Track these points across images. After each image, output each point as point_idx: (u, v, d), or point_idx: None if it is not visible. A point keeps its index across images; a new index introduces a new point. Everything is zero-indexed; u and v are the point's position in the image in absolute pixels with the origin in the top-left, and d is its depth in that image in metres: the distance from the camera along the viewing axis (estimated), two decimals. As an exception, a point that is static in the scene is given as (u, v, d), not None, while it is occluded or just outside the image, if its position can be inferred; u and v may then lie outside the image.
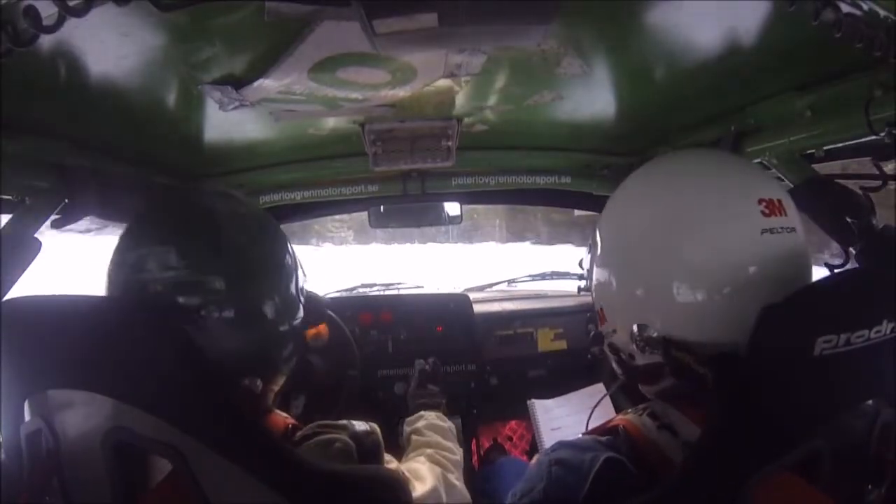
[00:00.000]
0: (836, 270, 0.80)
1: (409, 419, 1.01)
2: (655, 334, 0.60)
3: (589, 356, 1.64)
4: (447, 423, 1.00)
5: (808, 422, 0.51)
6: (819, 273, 0.67)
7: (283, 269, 0.68)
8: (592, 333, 0.72)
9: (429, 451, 0.89)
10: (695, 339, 0.59)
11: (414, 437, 0.95)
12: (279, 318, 0.66)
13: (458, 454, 0.92)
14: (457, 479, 0.84)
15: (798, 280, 0.59)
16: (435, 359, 1.29)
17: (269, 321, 0.65)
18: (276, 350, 0.67)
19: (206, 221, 0.64)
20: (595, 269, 0.70)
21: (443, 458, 0.87)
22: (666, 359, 0.60)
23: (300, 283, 0.71)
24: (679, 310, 0.59)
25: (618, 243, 0.67)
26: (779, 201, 0.60)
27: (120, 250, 0.62)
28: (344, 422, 0.70)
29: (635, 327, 0.62)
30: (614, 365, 0.70)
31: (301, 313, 0.71)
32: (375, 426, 0.73)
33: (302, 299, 0.71)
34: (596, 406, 0.90)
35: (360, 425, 0.70)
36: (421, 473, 0.79)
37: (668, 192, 0.64)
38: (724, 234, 0.58)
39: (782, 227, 0.58)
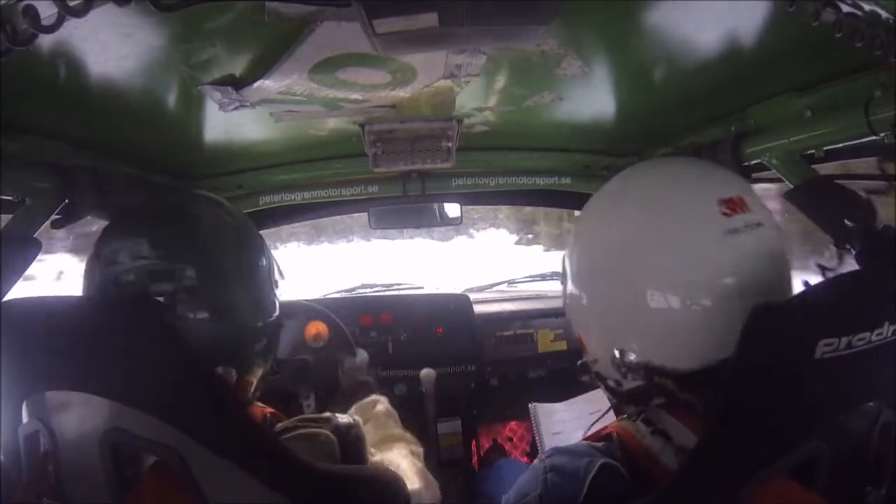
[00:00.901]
0: (827, 272, 0.80)
1: (362, 403, 1.00)
2: (634, 357, 0.59)
3: None
4: (393, 410, 1.01)
5: (807, 424, 0.51)
6: (807, 275, 0.67)
7: (254, 265, 0.70)
8: (578, 363, 0.70)
9: (400, 444, 0.89)
10: (674, 365, 0.57)
11: (371, 426, 0.94)
12: (250, 313, 0.68)
13: (420, 445, 0.93)
14: (428, 473, 0.86)
15: (775, 278, 0.56)
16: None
17: (240, 315, 0.67)
18: (248, 343, 0.69)
19: (180, 215, 0.67)
20: (567, 298, 0.68)
21: (415, 452, 0.89)
22: (649, 384, 0.59)
23: (274, 283, 0.74)
24: (655, 331, 0.57)
25: (584, 270, 0.65)
26: (739, 198, 0.57)
27: (96, 245, 0.64)
28: (327, 414, 0.71)
29: (616, 352, 0.60)
30: (604, 391, 0.69)
31: (276, 311, 0.73)
32: (359, 419, 0.74)
33: (277, 299, 0.74)
34: (599, 413, 0.89)
35: (342, 418, 0.71)
36: (403, 468, 0.80)
37: (626, 209, 0.62)
38: (688, 243, 0.56)
39: (746, 225, 0.55)
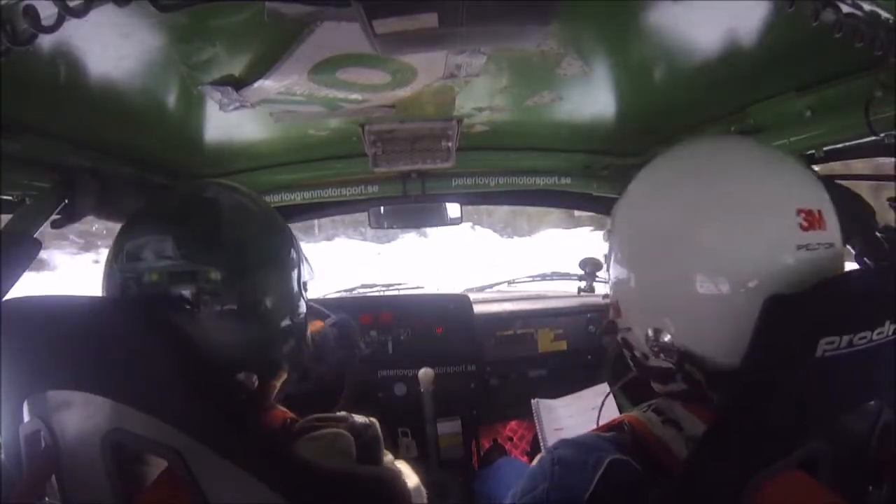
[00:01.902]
0: None
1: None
2: (671, 340, 0.57)
3: (589, 357, 1.64)
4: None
5: (808, 423, 0.51)
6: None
7: (284, 264, 0.67)
8: (605, 322, 0.67)
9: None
10: (707, 353, 0.56)
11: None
12: (279, 313, 0.65)
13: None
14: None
15: None
16: None
17: (267, 316, 0.64)
18: (275, 346, 0.66)
19: (205, 212, 0.64)
20: (612, 261, 0.65)
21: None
22: (678, 368, 0.58)
23: (303, 280, 0.70)
24: (696, 315, 0.56)
25: (637, 235, 0.61)
26: (819, 213, 0.53)
27: (118, 242, 0.62)
28: (343, 413, 0.70)
29: (650, 331, 0.58)
30: (626, 357, 0.67)
31: (303, 310, 0.70)
32: (375, 420, 0.73)
33: (304, 296, 0.70)
34: (602, 406, 0.89)
35: (359, 418, 0.70)
36: (402, 468, 0.80)
37: (698, 183, 0.57)
38: (755, 243, 0.53)
39: (819, 244, 0.53)
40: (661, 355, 0.58)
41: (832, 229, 0.54)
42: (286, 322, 0.66)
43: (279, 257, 0.67)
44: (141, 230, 0.62)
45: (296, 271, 0.69)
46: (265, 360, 0.66)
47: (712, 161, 0.60)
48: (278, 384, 0.70)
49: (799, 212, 0.52)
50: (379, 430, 0.72)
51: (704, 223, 0.55)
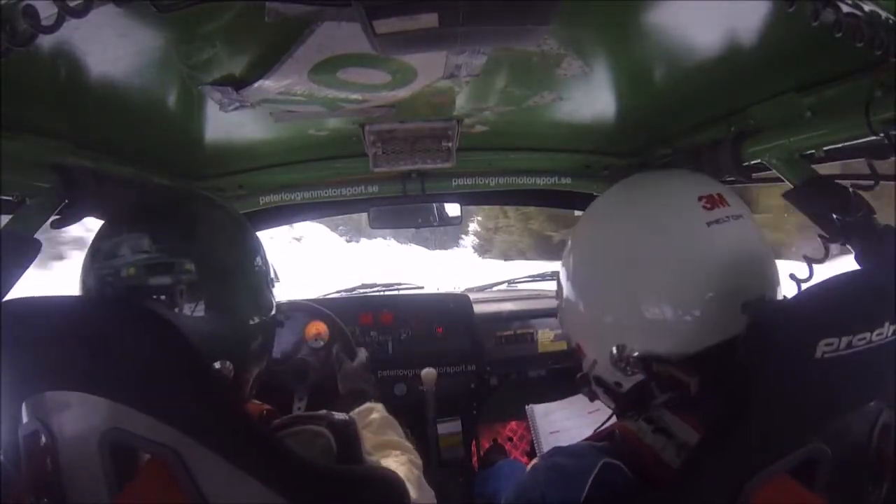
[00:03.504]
0: (813, 266, 0.80)
1: (359, 410, 0.99)
2: (635, 353, 0.61)
3: None
4: (392, 418, 1.00)
5: (808, 425, 0.51)
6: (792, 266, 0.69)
7: (252, 263, 0.71)
8: (578, 377, 0.72)
9: (396, 452, 0.88)
10: (673, 350, 0.59)
11: (368, 432, 0.92)
12: (247, 310, 0.69)
13: (418, 457, 0.92)
14: (424, 482, 0.85)
15: (757, 263, 0.61)
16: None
17: (237, 312, 0.68)
18: (244, 341, 0.70)
19: (180, 212, 0.68)
20: (564, 305, 0.71)
21: (413, 461, 0.88)
22: (649, 375, 0.60)
23: (270, 282, 0.75)
24: (652, 323, 0.60)
25: (580, 274, 0.69)
26: (718, 195, 0.62)
27: (94, 244, 0.64)
28: (323, 412, 0.70)
29: (614, 349, 0.62)
30: (603, 399, 0.71)
31: (272, 311, 0.74)
32: (353, 417, 0.73)
33: (273, 298, 0.74)
34: (596, 411, 0.89)
35: (338, 415, 0.70)
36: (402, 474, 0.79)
37: (616, 215, 0.68)
38: (675, 237, 0.60)
39: (727, 216, 0.60)
40: (630, 370, 0.62)
41: (735, 205, 0.62)
42: (255, 319, 0.70)
43: (248, 256, 0.71)
44: (116, 229, 0.64)
45: (264, 274, 0.73)
46: (236, 353, 0.69)
47: (626, 193, 0.71)
48: (251, 378, 0.73)
49: (700, 198, 0.61)
50: (357, 427, 0.72)
51: (633, 239, 0.62)
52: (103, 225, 0.67)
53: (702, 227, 0.59)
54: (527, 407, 1.42)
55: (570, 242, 0.73)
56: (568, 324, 0.72)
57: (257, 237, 0.75)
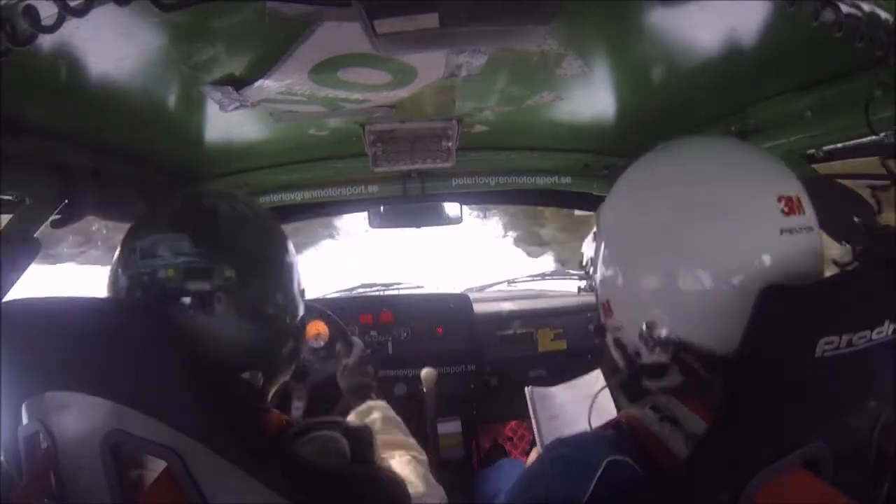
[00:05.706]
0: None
1: (359, 410, 0.99)
2: (665, 333, 0.58)
3: (589, 357, 1.64)
4: (396, 416, 0.99)
5: (809, 423, 0.51)
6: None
7: (287, 267, 0.69)
8: (595, 325, 0.69)
9: (400, 451, 0.88)
10: (704, 343, 0.56)
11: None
12: (283, 313, 0.68)
13: (423, 453, 0.91)
14: (431, 478, 0.84)
15: (812, 280, 0.56)
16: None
17: (274, 316, 0.66)
18: (278, 346, 0.68)
19: (217, 215, 0.66)
20: (600, 260, 0.66)
21: (418, 458, 0.87)
22: (674, 360, 0.58)
23: (300, 283, 0.72)
24: (690, 307, 0.57)
25: (626, 232, 0.63)
26: (797, 198, 0.56)
27: (128, 242, 0.63)
28: (338, 418, 0.70)
29: (644, 325, 0.59)
30: (617, 359, 0.67)
31: (301, 312, 0.72)
32: (368, 425, 0.73)
33: (302, 299, 0.72)
34: (595, 397, 0.88)
35: (354, 422, 0.71)
36: (405, 475, 0.79)
37: (683, 179, 0.60)
38: (742, 231, 0.55)
39: (801, 227, 0.55)
40: (656, 349, 0.59)
41: (810, 214, 0.57)
42: (287, 323, 0.69)
43: (284, 260, 0.69)
44: (155, 229, 0.62)
45: (296, 274, 0.71)
46: (268, 360, 0.67)
47: (696, 158, 0.63)
48: (274, 388, 0.72)
49: (780, 198, 0.55)
50: (373, 434, 0.72)
51: (692, 218, 0.57)
52: (136, 224, 0.65)
53: (774, 233, 0.54)
54: (527, 388, 1.40)
55: (618, 189, 0.66)
56: (600, 276, 0.66)
57: (284, 233, 0.72)
